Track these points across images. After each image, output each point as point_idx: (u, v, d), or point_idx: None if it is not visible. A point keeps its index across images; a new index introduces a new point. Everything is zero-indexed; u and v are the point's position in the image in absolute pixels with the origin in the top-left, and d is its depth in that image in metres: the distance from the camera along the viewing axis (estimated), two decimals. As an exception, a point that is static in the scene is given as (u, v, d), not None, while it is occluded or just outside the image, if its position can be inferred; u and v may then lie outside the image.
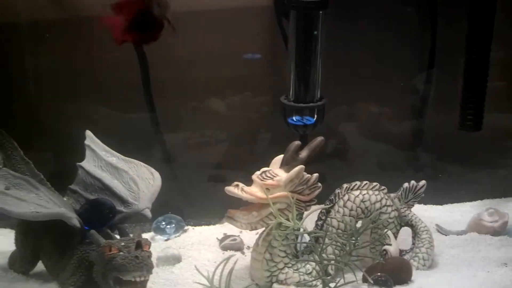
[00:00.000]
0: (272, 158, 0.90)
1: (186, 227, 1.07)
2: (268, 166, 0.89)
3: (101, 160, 0.91)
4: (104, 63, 1.10)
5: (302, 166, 0.85)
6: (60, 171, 1.00)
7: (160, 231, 1.04)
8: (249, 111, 1.18)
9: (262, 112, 1.18)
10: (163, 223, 1.04)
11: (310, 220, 0.88)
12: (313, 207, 0.87)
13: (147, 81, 1.08)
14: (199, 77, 1.13)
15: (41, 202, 0.78)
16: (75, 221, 0.79)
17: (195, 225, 1.09)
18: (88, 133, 0.93)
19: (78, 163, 0.91)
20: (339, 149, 1.20)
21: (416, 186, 0.94)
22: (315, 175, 0.86)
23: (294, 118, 1.06)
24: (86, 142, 0.92)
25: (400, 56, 1.15)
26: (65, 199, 0.89)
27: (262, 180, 0.85)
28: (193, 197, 1.15)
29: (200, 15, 1.09)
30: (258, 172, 0.87)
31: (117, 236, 0.82)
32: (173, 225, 1.05)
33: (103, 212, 0.84)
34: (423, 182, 0.94)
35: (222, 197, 0.85)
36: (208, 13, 1.10)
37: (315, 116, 1.02)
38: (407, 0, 1.16)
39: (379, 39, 1.14)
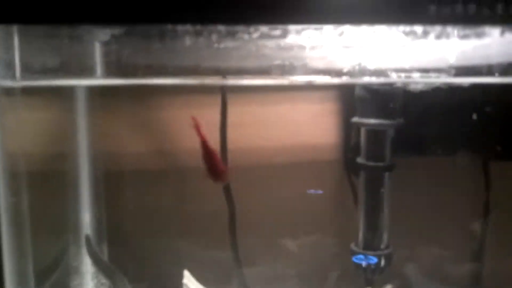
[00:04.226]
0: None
1: None
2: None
3: (195, 297, 1.05)
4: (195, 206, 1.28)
5: (373, 312, 0.97)
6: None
7: None
8: (318, 251, 1.32)
9: (330, 253, 1.31)
10: None
11: None
12: None
13: (233, 222, 1.25)
14: (274, 221, 1.29)
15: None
16: None
17: None
18: (186, 272, 1.07)
19: (176, 300, 1.04)
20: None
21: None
22: (386, 320, 0.97)
23: (358, 257, 1.20)
24: (184, 281, 1.06)
25: (456, 204, 1.29)
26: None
27: (337, 323, 0.97)
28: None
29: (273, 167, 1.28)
30: (333, 316, 0.99)
31: None
32: None
33: None
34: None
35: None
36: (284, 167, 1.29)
37: (383, 262, 1.15)
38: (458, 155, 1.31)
39: (436, 191, 1.28)
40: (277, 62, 0.80)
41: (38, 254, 0.96)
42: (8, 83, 0.76)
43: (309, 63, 0.79)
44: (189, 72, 0.93)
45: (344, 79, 0.82)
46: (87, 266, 1.12)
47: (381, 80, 0.86)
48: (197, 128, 1.03)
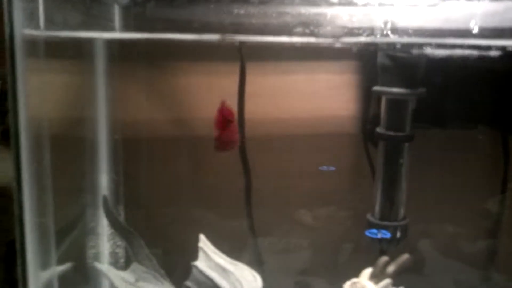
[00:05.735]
0: (352, 268, 1.02)
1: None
2: (348, 275, 1.01)
3: (211, 261, 1.05)
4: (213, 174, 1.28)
5: (389, 280, 0.97)
6: (173, 268, 1.14)
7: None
8: (333, 223, 1.32)
9: (345, 225, 1.31)
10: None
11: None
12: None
13: (249, 191, 1.24)
14: (290, 191, 1.29)
15: (166, 295, 0.93)
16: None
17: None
18: (202, 236, 1.07)
19: (193, 263, 1.05)
20: (417, 264, 1.30)
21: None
22: (401, 288, 0.97)
23: (372, 231, 1.19)
24: (200, 244, 1.06)
25: (473, 181, 1.27)
26: (181, 294, 1.02)
27: (353, 290, 0.97)
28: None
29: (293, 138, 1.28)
30: (348, 283, 0.99)
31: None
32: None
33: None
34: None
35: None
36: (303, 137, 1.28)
37: (399, 234, 1.14)
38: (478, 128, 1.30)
39: (454, 166, 1.27)
40: (301, 22, 0.79)
41: (58, 214, 0.97)
42: (32, 32, 0.75)
43: (334, 23, 0.78)
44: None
45: (369, 39, 0.81)
46: (104, 227, 1.12)
47: (408, 40, 0.85)
48: (222, 107, 1.07)
